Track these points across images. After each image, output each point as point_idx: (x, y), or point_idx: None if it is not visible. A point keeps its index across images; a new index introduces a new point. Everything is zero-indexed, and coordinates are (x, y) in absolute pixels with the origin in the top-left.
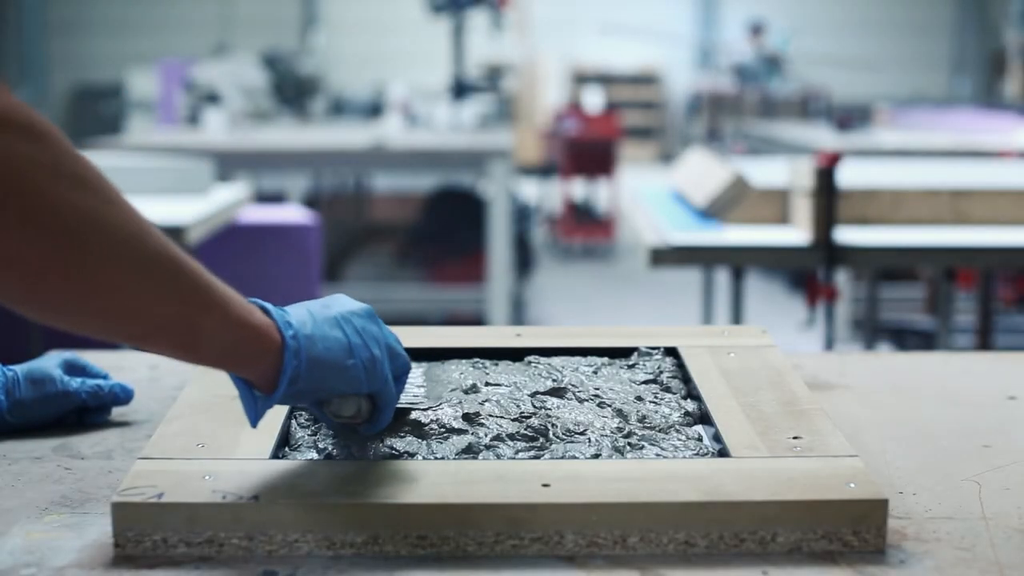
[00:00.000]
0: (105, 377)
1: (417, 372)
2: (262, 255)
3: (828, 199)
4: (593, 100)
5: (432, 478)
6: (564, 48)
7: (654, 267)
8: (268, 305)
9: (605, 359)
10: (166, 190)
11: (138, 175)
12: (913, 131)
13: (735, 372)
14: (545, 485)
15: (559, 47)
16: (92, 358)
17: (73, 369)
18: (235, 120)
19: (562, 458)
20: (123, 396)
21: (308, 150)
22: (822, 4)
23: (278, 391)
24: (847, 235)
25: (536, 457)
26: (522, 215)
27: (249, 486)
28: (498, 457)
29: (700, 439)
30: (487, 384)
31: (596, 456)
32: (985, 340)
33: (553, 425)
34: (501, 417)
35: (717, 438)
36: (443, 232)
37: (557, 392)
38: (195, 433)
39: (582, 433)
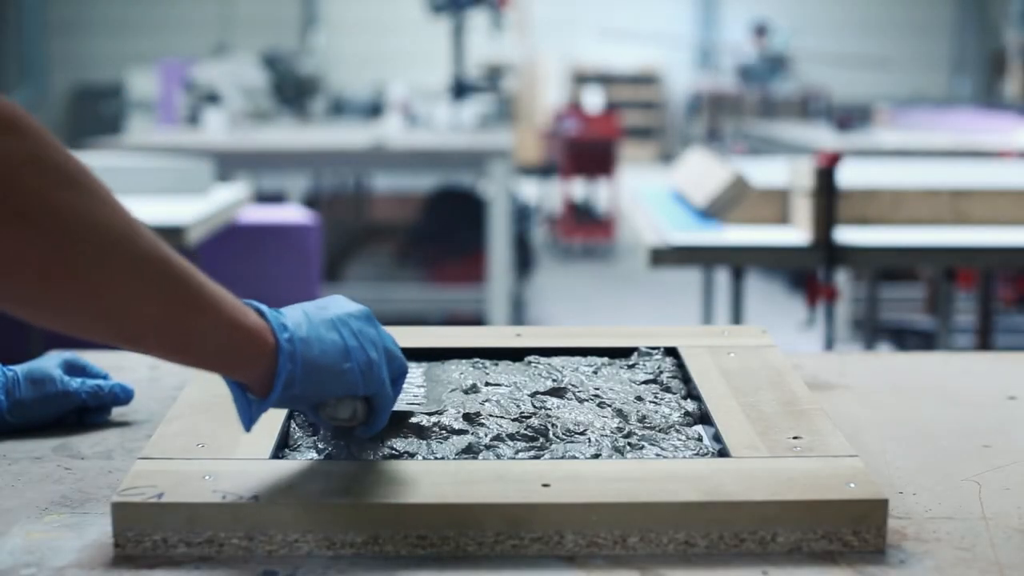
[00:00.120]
0: (105, 377)
1: (417, 372)
2: (262, 255)
3: (828, 199)
4: (593, 100)
5: (432, 478)
6: (564, 48)
7: (654, 267)
8: (263, 307)
9: (605, 359)
10: (166, 190)
11: (138, 175)
12: (913, 131)
13: (735, 372)
14: (545, 485)
15: (559, 47)
16: (92, 358)
17: (73, 369)
18: (235, 120)
19: (562, 458)
20: (123, 396)
21: (308, 150)
22: (822, 4)
23: (273, 395)
24: (847, 235)
25: (536, 457)
26: (522, 215)
27: (249, 486)
28: (498, 457)
29: (700, 439)
30: (487, 384)
31: (596, 456)
32: (985, 340)
33: (553, 425)
34: (501, 417)
35: (717, 438)
36: (443, 232)
37: (557, 392)
38: (195, 433)
39: (582, 433)
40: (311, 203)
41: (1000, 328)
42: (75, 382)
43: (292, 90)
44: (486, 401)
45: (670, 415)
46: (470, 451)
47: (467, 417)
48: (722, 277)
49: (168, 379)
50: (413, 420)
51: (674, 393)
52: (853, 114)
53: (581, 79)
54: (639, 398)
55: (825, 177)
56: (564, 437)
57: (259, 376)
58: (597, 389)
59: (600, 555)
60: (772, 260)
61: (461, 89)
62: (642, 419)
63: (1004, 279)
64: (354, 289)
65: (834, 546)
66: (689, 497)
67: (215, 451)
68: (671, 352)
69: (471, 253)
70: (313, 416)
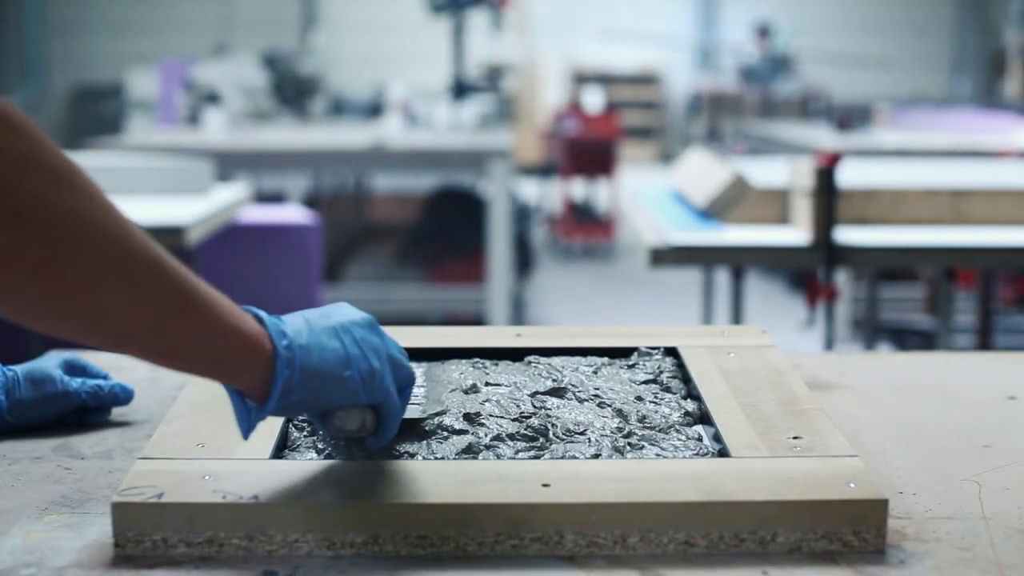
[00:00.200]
0: (105, 377)
1: (417, 372)
2: (262, 255)
3: (828, 199)
4: (593, 100)
5: (432, 478)
6: (564, 48)
7: (654, 267)
8: (262, 313)
9: (605, 359)
10: (166, 190)
11: (138, 175)
12: (913, 131)
13: (735, 372)
14: (545, 485)
15: (559, 47)
16: (92, 358)
17: (73, 369)
18: (235, 120)
19: (562, 458)
20: (123, 396)
21: (308, 150)
22: (822, 4)
23: (270, 402)
24: (847, 235)
25: (536, 457)
26: (522, 215)
27: (249, 486)
28: (498, 457)
29: (700, 439)
30: (487, 384)
31: (596, 456)
32: (985, 340)
33: (553, 425)
34: (501, 417)
35: (717, 438)
36: (443, 232)
37: (557, 392)
38: (195, 433)
39: (582, 433)
40: (311, 203)
41: (1000, 328)
42: (75, 382)
43: (292, 90)
44: (486, 401)
45: (670, 415)
46: (470, 451)
47: (467, 417)
48: (722, 277)
49: (168, 379)
50: (414, 420)
51: (674, 393)
52: (853, 114)
53: (581, 79)
54: (639, 398)
55: (825, 177)
56: (564, 437)
57: (256, 383)
58: (597, 389)
59: (600, 555)
60: (772, 260)
61: (461, 89)
62: (642, 419)
63: (1004, 279)
64: (354, 289)
65: (834, 546)
66: (689, 497)
67: (215, 451)
68: (671, 352)
69: (471, 253)
70: (321, 427)
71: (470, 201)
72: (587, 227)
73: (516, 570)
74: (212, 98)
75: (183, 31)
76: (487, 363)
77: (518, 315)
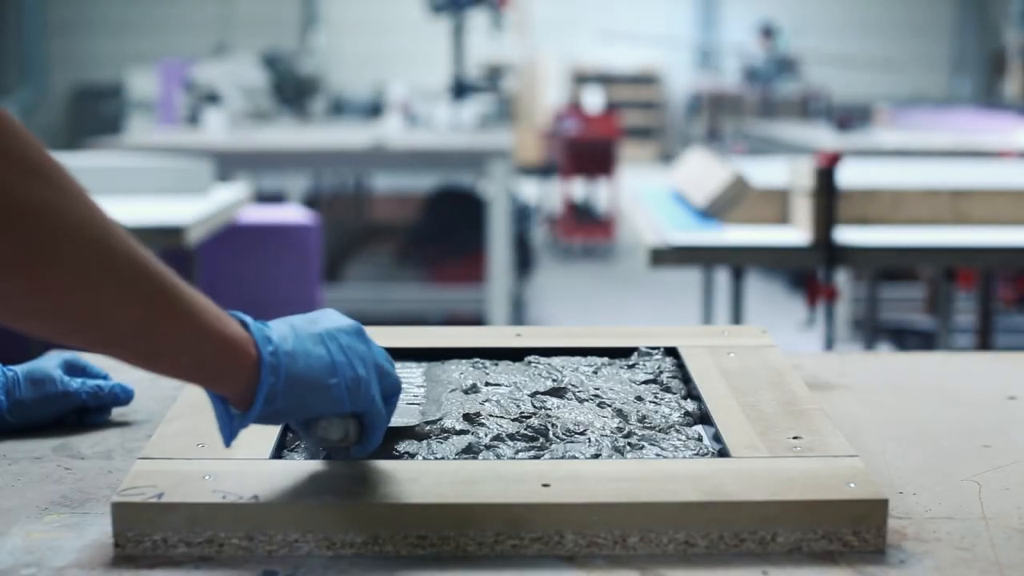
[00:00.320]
0: (105, 377)
1: (417, 372)
2: (262, 255)
3: (828, 199)
4: (593, 100)
5: (432, 478)
6: (564, 48)
7: (654, 267)
8: (248, 319)
9: (605, 359)
10: (166, 190)
11: (138, 175)
12: (913, 131)
13: (735, 372)
14: (545, 485)
15: (559, 47)
16: (92, 358)
17: (73, 369)
18: (235, 120)
19: (562, 458)
20: (123, 396)
21: (308, 150)
22: (822, 4)
23: (254, 409)
24: (847, 235)
25: (536, 457)
26: (522, 215)
27: (249, 486)
28: (498, 457)
29: (700, 439)
30: (487, 384)
31: (596, 456)
32: (985, 340)
33: (553, 425)
34: (501, 417)
35: (717, 438)
36: (443, 232)
37: (557, 392)
38: (195, 433)
39: (582, 433)
40: (311, 203)
41: (1000, 328)
42: (75, 382)
43: (292, 90)
44: (486, 401)
45: (670, 415)
46: (470, 451)
47: (467, 417)
48: (722, 277)
49: (168, 379)
50: (409, 425)
51: (674, 393)
52: (853, 114)
53: (581, 79)
54: (639, 398)
55: (825, 177)
56: (564, 437)
57: (240, 389)
58: (597, 389)
59: (600, 555)
60: (772, 260)
61: (461, 89)
62: (642, 419)
63: (1004, 279)
64: (354, 289)
65: (834, 546)
66: (689, 497)
67: (215, 451)
68: (671, 352)
69: (471, 253)
70: (304, 436)
71: (470, 201)
72: (587, 227)
73: (516, 570)
74: (212, 98)
75: (183, 31)
76: (487, 363)
77: (518, 315)
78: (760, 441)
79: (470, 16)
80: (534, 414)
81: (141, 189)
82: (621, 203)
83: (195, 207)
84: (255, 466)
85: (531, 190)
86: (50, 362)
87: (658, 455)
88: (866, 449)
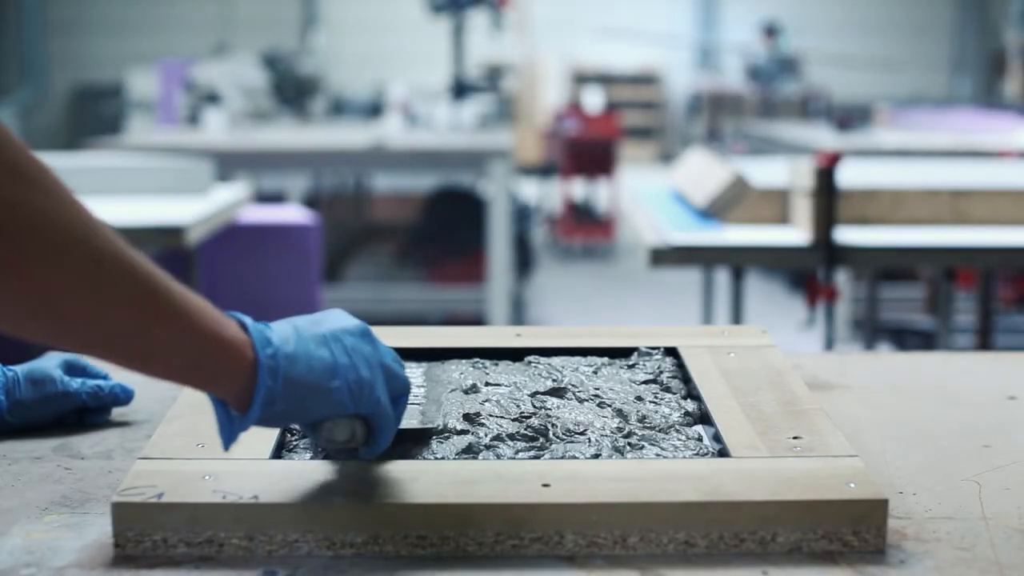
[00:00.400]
0: (105, 377)
1: (417, 372)
2: (262, 255)
3: (828, 199)
4: (593, 100)
5: (432, 478)
6: (564, 48)
7: (654, 267)
8: (247, 320)
9: (605, 359)
10: (166, 190)
11: (138, 175)
12: (913, 131)
13: (735, 372)
14: (545, 485)
15: (559, 47)
16: (92, 359)
17: (73, 369)
18: (235, 120)
19: (562, 458)
20: (123, 396)
21: (308, 150)
22: (822, 4)
23: (252, 412)
24: (847, 235)
25: (536, 457)
26: (522, 215)
27: (249, 486)
28: (498, 457)
29: (700, 439)
30: (487, 384)
31: (596, 456)
32: (985, 340)
33: (553, 425)
34: (501, 417)
35: (717, 438)
36: (443, 232)
37: (557, 392)
38: (195, 433)
39: (582, 433)
40: (311, 203)
41: (1000, 328)
42: (75, 382)
43: (292, 90)
44: (486, 401)
45: (670, 415)
46: (470, 451)
47: (467, 417)
48: (722, 277)
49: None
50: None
51: (674, 393)
52: (853, 114)
53: (581, 79)
54: (639, 398)
55: (825, 177)
56: (564, 437)
57: (238, 391)
58: (597, 389)
59: (600, 555)
60: (772, 260)
61: (461, 89)
62: (642, 419)
63: (1004, 279)
64: (354, 289)
65: (834, 546)
66: (689, 497)
67: (215, 451)
68: (671, 352)
69: (471, 253)
70: (311, 437)
71: (470, 201)
72: (587, 227)
73: (516, 570)
74: (212, 98)
75: (183, 31)
76: (487, 363)
77: (518, 315)
78: (760, 441)
79: (470, 16)
80: (534, 414)
81: (141, 189)
82: (621, 203)
83: (195, 207)
84: (255, 466)
85: (531, 190)
86: (50, 362)
87: (658, 455)
88: (866, 449)
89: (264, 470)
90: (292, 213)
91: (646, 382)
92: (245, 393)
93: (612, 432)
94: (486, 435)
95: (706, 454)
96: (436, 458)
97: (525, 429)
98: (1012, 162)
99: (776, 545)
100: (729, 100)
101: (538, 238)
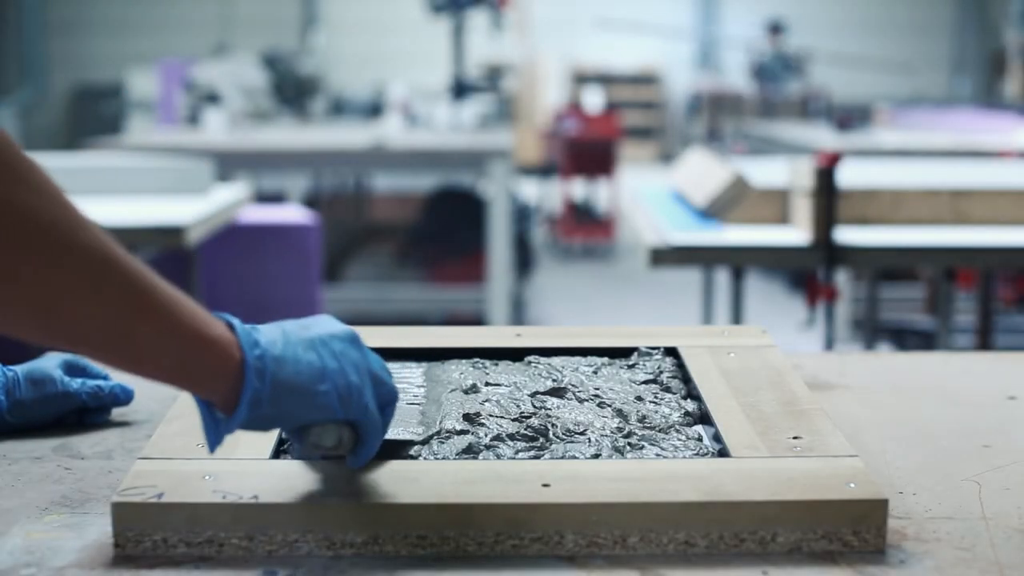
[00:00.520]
0: (105, 378)
1: (417, 372)
2: (262, 255)
3: (828, 199)
4: (593, 100)
5: (432, 478)
6: (564, 48)
7: (654, 267)
8: (235, 321)
9: (605, 359)
10: (166, 190)
11: (138, 175)
12: (913, 131)
13: (735, 372)
14: (545, 485)
15: (559, 47)
16: None
17: (73, 369)
18: (235, 120)
19: (562, 458)
20: (123, 397)
21: (308, 150)
22: (822, 4)
23: (238, 414)
24: (847, 235)
25: (536, 457)
26: (522, 215)
27: (249, 486)
28: (498, 457)
29: (700, 439)
30: (487, 384)
31: (596, 456)
32: (985, 340)
33: (553, 425)
34: (501, 417)
35: (717, 438)
36: (443, 232)
37: (557, 392)
38: (195, 433)
39: (582, 433)
40: (311, 203)
41: (1000, 328)
42: (75, 382)
43: (292, 90)
44: (486, 401)
45: (670, 415)
46: (470, 451)
47: (467, 417)
48: (722, 277)
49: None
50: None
51: (674, 393)
52: (853, 114)
53: (581, 79)
54: (639, 398)
55: (825, 177)
56: (564, 437)
57: (224, 393)
58: (597, 389)
59: (600, 555)
60: (772, 260)
61: (461, 89)
62: (642, 419)
63: (1004, 279)
64: (354, 289)
65: (834, 546)
66: (689, 497)
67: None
68: (671, 352)
69: (471, 253)
70: (298, 443)
71: (470, 201)
72: (587, 227)
73: (516, 570)
74: (212, 98)
75: (183, 31)
76: (487, 363)
77: (518, 315)
78: (760, 441)
79: (470, 16)
80: (534, 414)
81: (141, 189)
82: (621, 203)
83: (195, 207)
84: (255, 466)
85: (531, 190)
86: (50, 362)
87: (658, 455)
88: (866, 449)
89: (264, 470)
90: (292, 213)
91: (646, 382)
92: (232, 394)
93: (612, 432)
94: (486, 435)
95: (706, 454)
96: (436, 458)
97: (525, 429)
98: (1012, 162)
99: (776, 545)
100: (729, 100)
101: (538, 238)
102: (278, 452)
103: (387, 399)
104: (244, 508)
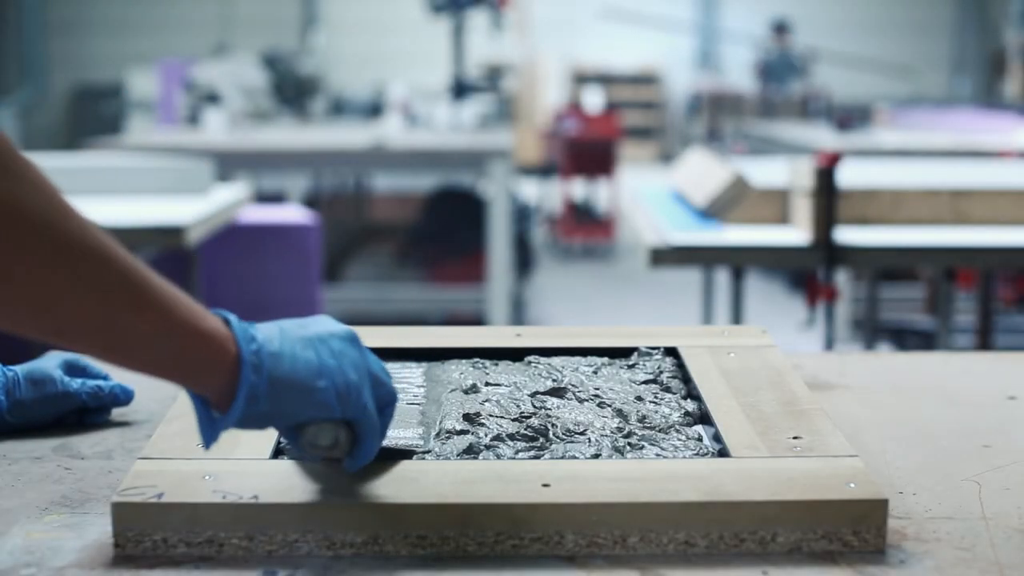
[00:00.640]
0: (105, 378)
1: (417, 372)
2: (262, 255)
3: (828, 199)
4: (593, 100)
5: (432, 478)
6: (564, 48)
7: (654, 267)
8: (231, 317)
9: (605, 359)
10: (166, 190)
11: (138, 175)
12: (913, 131)
13: (735, 372)
14: (545, 485)
15: (559, 47)
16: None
17: (73, 369)
18: (235, 120)
19: (562, 458)
20: (123, 397)
21: (308, 150)
22: (822, 4)
23: (234, 409)
24: (847, 235)
25: (536, 457)
26: (522, 215)
27: (249, 486)
28: (498, 457)
29: (700, 439)
30: (487, 384)
31: (596, 456)
32: (985, 340)
33: (553, 425)
34: (501, 417)
35: (717, 438)
36: (443, 232)
37: (557, 392)
38: (195, 433)
39: (582, 433)
40: (311, 203)
41: (1000, 328)
42: (75, 382)
43: (292, 90)
44: (486, 401)
45: (670, 415)
46: (470, 451)
47: (467, 417)
48: (722, 277)
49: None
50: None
51: (674, 393)
52: (853, 114)
53: (581, 79)
54: (639, 398)
55: (825, 177)
56: (564, 437)
57: (220, 388)
58: (597, 389)
59: (600, 555)
60: (772, 260)
61: (461, 89)
62: (642, 419)
63: (1004, 279)
64: (354, 289)
65: (834, 546)
66: (689, 497)
67: (215, 451)
68: (671, 352)
69: (471, 253)
70: (293, 443)
71: (470, 201)
72: (587, 227)
73: (516, 570)
74: (212, 98)
75: (183, 31)
76: (487, 363)
77: (518, 315)
78: (760, 441)
79: (470, 16)
80: (534, 414)
81: (141, 189)
82: (621, 203)
83: (195, 207)
84: (255, 466)
85: (531, 190)
86: (50, 362)
87: (658, 455)
88: (866, 449)
89: (264, 470)
90: (292, 213)
91: (646, 382)
92: (228, 389)
93: (612, 432)
94: (486, 435)
95: (706, 454)
96: (436, 458)
97: (525, 429)
98: (1012, 162)
99: (776, 545)
100: (729, 100)
101: (538, 238)
102: (278, 452)
103: (386, 400)
104: (244, 508)
